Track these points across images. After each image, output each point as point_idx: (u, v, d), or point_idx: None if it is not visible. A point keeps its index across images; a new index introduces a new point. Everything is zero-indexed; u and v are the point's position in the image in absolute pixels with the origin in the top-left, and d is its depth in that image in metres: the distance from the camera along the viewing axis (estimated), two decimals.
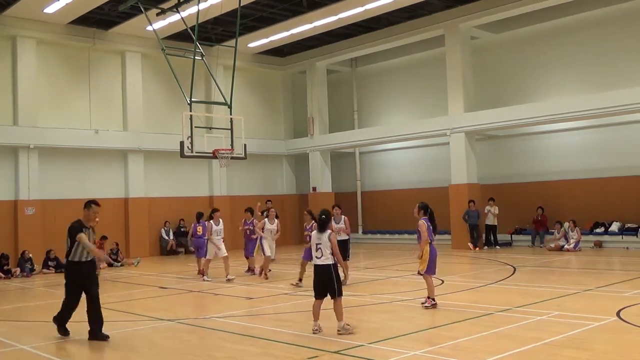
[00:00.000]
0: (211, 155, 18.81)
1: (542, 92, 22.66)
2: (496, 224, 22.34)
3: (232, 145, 18.61)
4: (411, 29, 23.89)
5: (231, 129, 18.87)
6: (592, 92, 20.58)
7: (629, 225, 20.37)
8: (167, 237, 24.52)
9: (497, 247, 22.10)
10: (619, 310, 9.15)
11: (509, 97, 22.94)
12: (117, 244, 21.93)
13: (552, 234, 21.25)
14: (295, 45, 26.25)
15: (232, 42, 20.62)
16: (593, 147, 21.64)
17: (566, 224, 20.60)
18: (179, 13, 20.17)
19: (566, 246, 20.17)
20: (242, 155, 19.19)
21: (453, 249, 22.11)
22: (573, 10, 21.32)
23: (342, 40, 25.93)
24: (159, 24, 21.15)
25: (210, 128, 20.59)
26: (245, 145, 19.24)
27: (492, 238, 22.31)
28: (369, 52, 26.46)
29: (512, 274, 14.67)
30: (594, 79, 21.37)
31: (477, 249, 21.67)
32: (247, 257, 16.96)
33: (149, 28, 20.89)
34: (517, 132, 23.37)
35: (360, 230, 28.42)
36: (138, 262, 20.92)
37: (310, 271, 14.11)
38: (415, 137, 25.12)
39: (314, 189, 27.60)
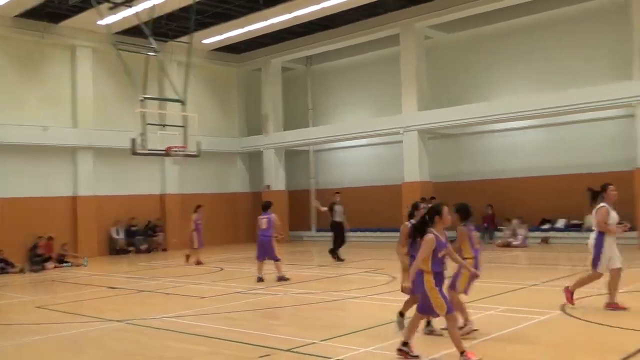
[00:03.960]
0: (164, 152, 18.60)
1: (493, 91, 23.14)
2: None
3: (185, 142, 18.44)
4: (367, 28, 24.07)
5: (185, 127, 18.69)
6: (541, 92, 21.15)
7: (574, 221, 21.00)
8: (117, 236, 24.08)
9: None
10: (563, 304, 9.43)
11: (461, 96, 23.34)
12: (64, 244, 21.32)
13: (502, 230, 21.74)
14: (251, 42, 26.13)
15: (186, 38, 20.43)
16: (542, 146, 22.24)
17: (514, 221, 21.12)
18: (132, 7, 19.85)
19: (514, 242, 20.67)
20: (196, 153, 19.05)
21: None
22: (524, 12, 21.82)
23: (298, 37, 25.93)
24: (111, 19, 20.76)
25: (164, 125, 20.38)
26: (199, 142, 19.09)
27: None
28: (324, 50, 26.54)
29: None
30: (543, 79, 21.94)
31: None
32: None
33: (101, 22, 20.50)
34: (469, 130, 23.81)
35: (314, 229, 28.49)
36: (86, 262, 20.55)
37: (269, 268, 14.15)
38: (369, 135, 25.35)
39: (268, 186, 27.55)
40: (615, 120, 20.45)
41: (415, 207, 8.15)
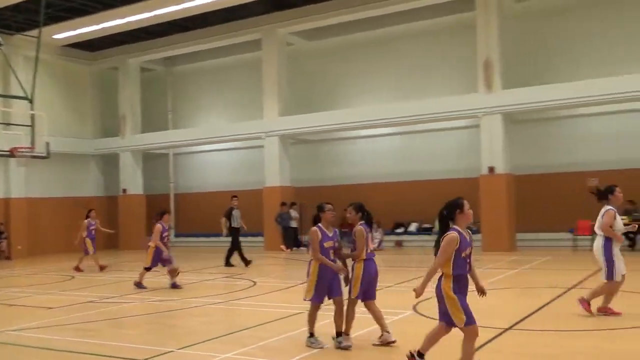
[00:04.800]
0: (8, 153, 17.33)
1: (352, 99, 23.88)
2: (297, 226, 22.97)
3: (32, 143, 17.28)
4: (228, 31, 23.92)
5: (32, 126, 17.52)
6: (396, 101, 22.14)
7: (425, 225, 22.17)
8: None
9: (302, 248, 22.82)
10: (415, 304, 9.88)
11: (322, 102, 23.86)
12: None
13: None
14: (107, 39, 24.94)
15: (35, 32, 19.17)
16: (396, 153, 23.26)
17: (374, 225, 21.85)
18: None
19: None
20: (44, 154, 17.91)
21: (266, 250, 22.47)
22: (380, 25, 22.74)
23: (157, 38, 25.20)
24: None
25: (8, 124, 18.99)
26: (47, 143, 17.96)
27: (295, 240, 22.93)
28: (185, 52, 26.01)
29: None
30: (398, 89, 22.98)
31: (290, 250, 22.21)
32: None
33: None
34: (329, 136, 24.39)
35: (172, 234, 27.80)
36: None
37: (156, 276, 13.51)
38: (230, 140, 25.21)
39: (124, 190, 26.53)
40: (463, 130, 21.85)
41: (320, 209, 7.65)
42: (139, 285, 13.29)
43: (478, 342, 7.17)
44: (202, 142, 26.09)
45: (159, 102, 28.51)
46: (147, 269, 13.44)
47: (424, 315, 9.10)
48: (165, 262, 13.35)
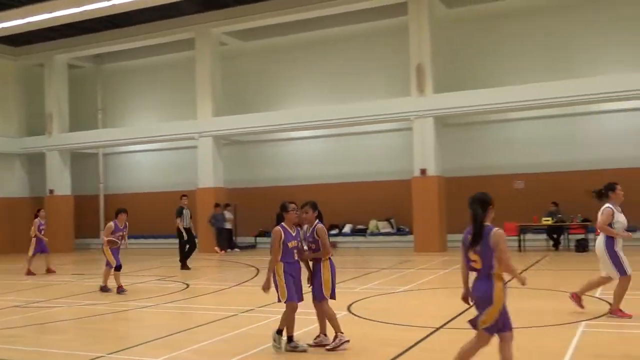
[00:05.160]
0: None
1: (287, 100, 23.90)
2: (231, 227, 22.83)
3: None
4: (161, 29, 23.53)
5: None
6: (331, 104, 22.33)
7: (359, 226, 22.40)
8: None
9: (237, 249, 22.66)
10: (350, 305, 9.97)
11: (256, 103, 23.78)
12: None
13: None
14: (32, 35, 24.02)
15: None
16: (331, 155, 23.43)
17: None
18: None
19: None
20: None
21: (199, 252, 22.16)
22: (314, 27, 22.86)
23: (86, 34, 24.49)
24: None
25: None
26: None
27: (230, 241, 22.78)
28: (115, 50, 25.39)
29: (256, 275, 15.15)
30: (332, 92, 23.16)
31: (224, 252, 22.00)
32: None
33: None
34: (263, 138, 24.32)
35: (102, 236, 27.04)
36: None
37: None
38: (163, 140, 24.78)
39: (51, 191, 25.65)
40: (396, 132, 22.20)
41: (284, 208, 7.46)
42: (119, 290, 12.53)
43: (409, 341, 7.32)
44: (133, 142, 25.52)
45: (88, 100, 27.72)
46: (117, 268, 12.69)
47: (358, 316, 9.19)
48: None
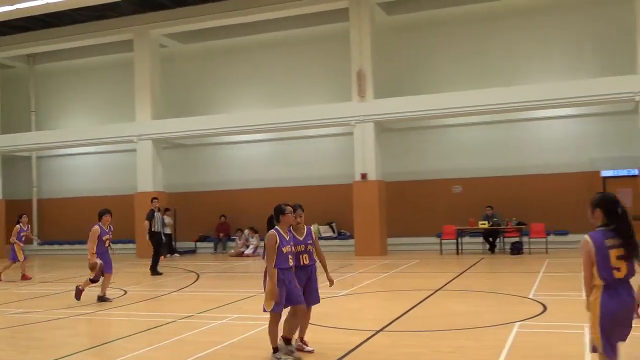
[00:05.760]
0: None
1: (228, 104, 23.76)
2: (171, 232, 22.50)
3: None
4: (98, 30, 23.02)
5: None
6: (273, 108, 22.31)
7: None
8: None
9: (177, 254, 22.34)
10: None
11: (197, 107, 23.53)
12: None
13: (234, 240, 22.32)
14: None
15: None
16: (273, 159, 23.39)
17: (246, 231, 21.83)
18: None
19: (246, 251, 21.36)
20: None
21: (138, 257, 21.73)
22: (259, 30, 22.82)
23: (18, 33, 23.70)
24: None
25: None
26: None
27: (170, 247, 22.44)
28: (49, 49, 24.66)
29: (196, 280, 14.97)
30: (275, 96, 23.15)
31: (164, 257, 21.61)
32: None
33: None
34: (204, 141, 24.08)
35: (36, 242, 26.19)
36: None
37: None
38: (100, 143, 24.22)
39: None
40: (337, 137, 22.35)
41: (280, 211, 6.86)
42: (78, 293, 11.74)
43: (350, 345, 7.36)
44: (68, 145, 24.81)
45: (21, 101, 26.83)
46: (94, 281, 11.78)
47: None
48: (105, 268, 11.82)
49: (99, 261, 11.59)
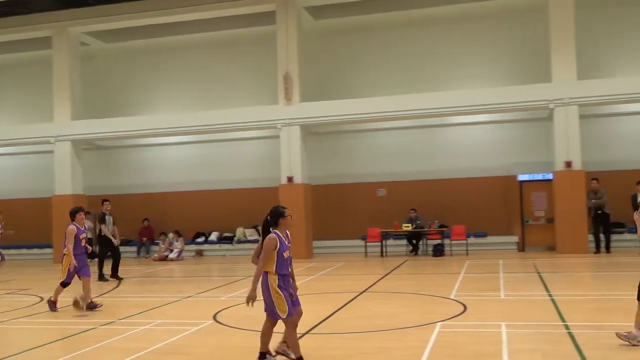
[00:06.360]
0: None
1: (151, 105, 23.30)
2: (91, 236, 21.84)
3: None
4: (14, 26, 22.05)
5: None
6: (198, 110, 22.03)
7: (226, 234, 22.23)
8: None
9: (97, 259, 21.69)
10: (216, 314, 9.86)
11: (119, 108, 22.96)
12: None
13: (157, 244, 21.88)
14: None
15: None
16: (196, 161, 23.08)
17: (170, 235, 21.45)
18: None
19: (170, 256, 20.97)
20: None
21: (55, 262, 20.92)
22: (183, 31, 22.47)
23: None
24: None
25: None
26: None
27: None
28: None
29: (117, 286, 14.59)
30: (200, 97, 22.88)
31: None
32: None
33: None
34: (126, 143, 23.51)
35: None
36: None
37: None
38: (15, 144, 23.19)
39: None
40: (264, 140, 22.29)
41: (280, 214, 6.49)
42: (51, 304, 10.87)
43: (274, 348, 7.34)
44: None
45: None
46: (65, 285, 11.01)
47: (224, 325, 9.11)
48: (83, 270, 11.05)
49: (73, 261, 10.85)
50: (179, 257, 20.94)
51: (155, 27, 22.01)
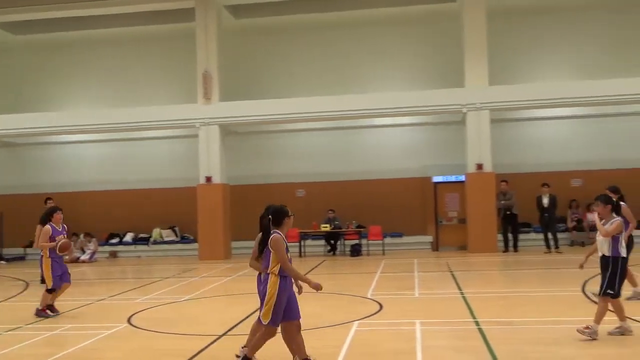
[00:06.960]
0: None
1: (65, 101, 22.56)
2: None
3: None
4: None
5: None
6: (113, 107, 21.55)
7: (141, 235, 21.71)
8: None
9: (2, 262, 20.76)
10: (130, 317, 9.61)
11: (28, 103, 22.08)
12: None
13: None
14: None
15: None
16: (110, 160, 22.48)
17: (82, 236, 20.75)
18: None
19: (82, 257, 20.27)
20: None
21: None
22: (99, 25, 21.75)
23: None
24: None
25: None
26: None
27: None
28: None
29: (24, 289, 13.98)
30: (115, 95, 22.29)
31: None
32: None
33: None
34: (35, 140, 22.63)
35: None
36: None
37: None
38: None
39: None
40: (182, 139, 21.89)
41: (284, 213, 6.29)
42: (39, 313, 10.02)
43: (191, 351, 7.25)
44: None
45: None
46: (51, 291, 10.23)
47: (139, 328, 8.90)
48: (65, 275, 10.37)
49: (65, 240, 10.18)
50: (91, 259, 20.27)
51: (70, 19, 21.19)
